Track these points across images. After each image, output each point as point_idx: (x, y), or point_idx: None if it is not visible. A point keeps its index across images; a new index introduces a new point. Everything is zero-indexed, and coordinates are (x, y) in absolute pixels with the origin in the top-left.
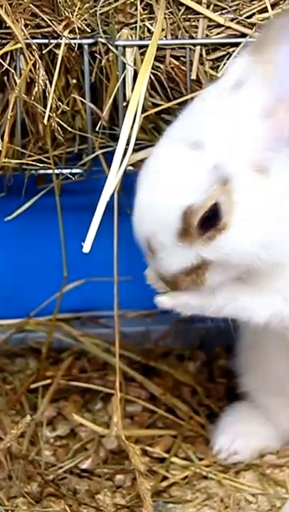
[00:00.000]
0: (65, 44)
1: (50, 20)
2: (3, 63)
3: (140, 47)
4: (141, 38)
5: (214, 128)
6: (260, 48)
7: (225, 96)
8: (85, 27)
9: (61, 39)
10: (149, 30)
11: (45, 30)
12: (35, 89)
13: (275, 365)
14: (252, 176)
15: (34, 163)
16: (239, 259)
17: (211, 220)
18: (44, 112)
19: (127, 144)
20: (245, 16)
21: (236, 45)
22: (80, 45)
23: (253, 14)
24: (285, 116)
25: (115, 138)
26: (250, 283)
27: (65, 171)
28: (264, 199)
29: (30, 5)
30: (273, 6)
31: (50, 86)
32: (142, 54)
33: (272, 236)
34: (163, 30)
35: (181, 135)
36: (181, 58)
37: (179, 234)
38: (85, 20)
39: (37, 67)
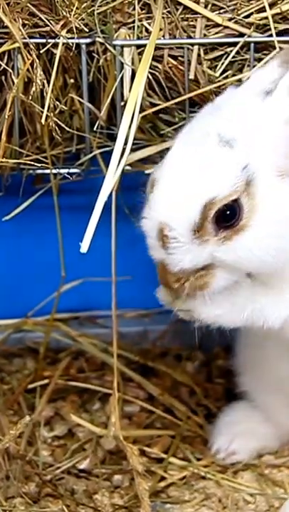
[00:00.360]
0: (63, 44)
1: (47, 19)
2: (1, 63)
3: (138, 46)
4: (139, 38)
5: (246, 130)
6: None
7: (256, 101)
8: (83, 26)
9: (59, 39)
10: (146, 30)
11: (43, 29)
12: (33, 88)
13: (274, 364)
14: (275, 180)
15: (32, 162)
16: (253, 263)
17: (228, 219)
18: (42, 112)
19: (125, 143)
20: (243, 15)
21: (234, 44)
22: (78, 45)
23: (251, 14)
24: None
25: (113, 138)
26: (266, 286)
27: (62, 171)
28: (284, 204)
29: (28, 4)
30: (271, 5)
31: (48, 85)
32: (140, 54)
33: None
34: (161, 29)
35: (212, 129)
36: (179, 58)
37: (196, 228)
38: (83, 19)
39: (35, 66)
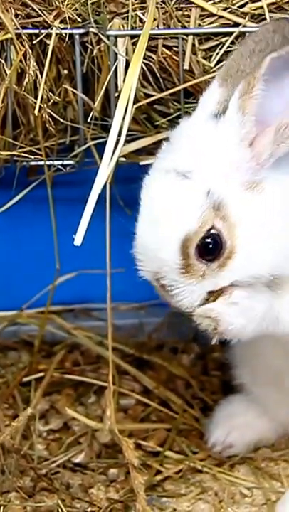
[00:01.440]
0: (56, 34)
1: (40, 10)
2: None
3: (132, 37)
4: (133, 28)
5: (200, 157)
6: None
7: (206, 126)
8: (76, 17)
9: (52, 29)
10: (140, 20)
11: (36, 20)
12: (26, 80)
13: (270, 356)
14: (244, 195)
15: (25, 154)
16: (257, 276)
17: (213, 250)
18: (35, 103)
19: (119, 135)
20: (237, 5)
21: (229, 34)
22: (71, 35)
23: (246, 3)
24: (262, 145)
25: (107, 129)
26: (280, 291)
27: (56, 163)
28: (262, 214)
29: None
30: None
31: (41, 77)
32: (134, 44)
33: (283, 246)
34: (155, 19)
35: (168, 166)
36: (174, 48)
37: (184, 269)
38: (76, 9)
39: (27, 57)
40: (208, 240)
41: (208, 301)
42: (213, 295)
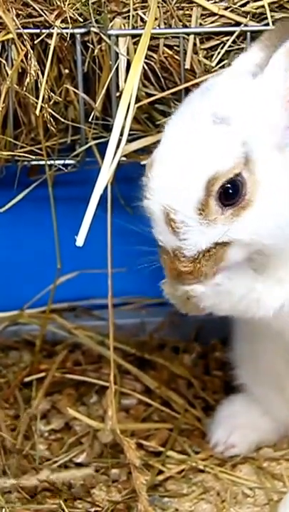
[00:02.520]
0: (57, 34)
1: (41, 9)
2: None
3: (133, 36)
4: (134, 27)
5: (240, 108)
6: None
7: (244, 81)
8: (77, 16)
9: (53, 29)
10: (142, 19)
11: (37, 19)
12: (27, 79)
13: (270, 357)
14: (274, 155)
15: (26, 154)
16: (264, 237)
17: (232, 196)
18: (36, 103)
19: (121, 134)
20: (239, 4)
21: (230, 33)
22: (73, 35)
23: (247, 2)
24: None
25: (108, 128)
26: (264, 274)
27: (58, 162)
28: (285, 177)
29: None
30: None
31: (43, 76)
32: (135, 43)
33: None
34: (156, 19)
35: (205, 109)
36: (175, 47)
37: (201, 207)
38: (77, 9)
39: (29, 57)
40: (232, 185)
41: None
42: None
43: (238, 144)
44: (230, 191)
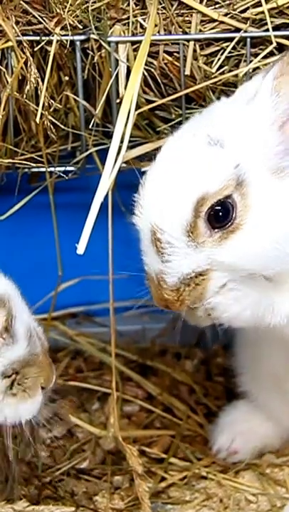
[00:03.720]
0: (57, 41)
1: (41, 17)
2: None
3: (133, 43)
4: (133, 34)
5: (234, 131)
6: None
7: (243, 107)
8: (77, 23)
9: (53, 36)
10: (141, 26)
11: (37, 27)
12: (27, 87)
13: (273, 362)
14: (268, 179)
15: (27, 162)
16: (250, 263)
17: (222, 218)
18: (36, 110)
19: (121, 141)
20: (238, 10)
21: (230, 39)
22: (72, 42)
23: (247, 9)
24: None
25: (109, 135)
26: (277, 282)
27: (58, 169)
28: (278, 202)
29: (21, 2)
30: (267, 0)
31: (43, 83)
32: (135, 50)
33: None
34: (156, 25)
35: (201, 130)
36: (175, 54)
37: (189, 229)
38: (77, 16)
39: (29, 64)
40: (222, 207)
41: (187, 290)
42: (193, 284)
43: (231, 166)
44: (220, 213)
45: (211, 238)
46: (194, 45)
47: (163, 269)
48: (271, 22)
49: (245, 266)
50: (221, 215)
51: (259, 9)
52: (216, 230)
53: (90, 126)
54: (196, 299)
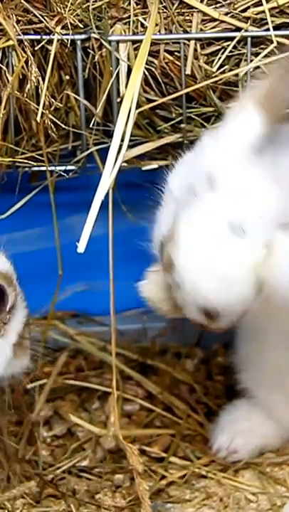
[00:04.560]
0: (58, 40)
1: (42, 16)
2: None
3: (134, 42)
4: (134, 33)
5: (252, 210)
6: None
7: (247, 169)
8: (78, 22)
9: (54, 35)
10: (142, 25)
11: (38, 26)
12: (28, 86)
13: (274, 360)
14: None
15: (28, 161)
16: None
17: None
18: (37, 109)
19: (122, 140)
20: (239, 9)
21: (231, 39)
22: (73, 41)
23: (248, 8)
24: None
25: (109, 134)
26: None
27: (58, 168)
28: None
29: (22, 1)
30: None
31: (43, 82)
32: (136, 49)
33: None
34: (157, 24)
35: (221, 217)
36: (176, 53)
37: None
38: (78, 15)
39: (29, 63)
40: None
41: None
42: None
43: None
44: None
45: None
46: (195, 44)
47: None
48: (272, 21)
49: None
50: None
51: (260, 8)
52: None
53: (91, 125)
54: None
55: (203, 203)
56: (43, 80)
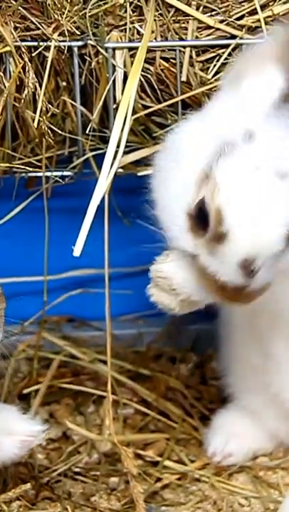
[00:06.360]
0: (55, 46)
1: (39, 22)
2: None
3: (130, 49)
4: (130, 40)
5: None
6: None
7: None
8: (75, 29)
9: (51, 41)
10: (138, 32)
11: (35, 32)
12: (25, 92)
13: (250, 362)
14: None
15: (24, 166)
16: None
17: None
18: (34, 116)
19: (118, 146)
20: (234, 17)
21: (226, 46)
22: (70, 48)
23: (243, 16)
24: None
25: (105, 140)
26: None
27: (55, 174)
28: None
29: (20, 7)
30: (263, 7)
31: (40, 89)
32: (132, 56)
33: None
34: (153, 32)
35: (266, 164)
36: (171, 60)
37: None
38: (75, 22)
39: (26, 70)
40: None
41: None
42: None
43: None
44: None
45: None
46: (191, 51)
47: (251, 283)
48: (267, 29)
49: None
50: None
51: (255, 17)
52: None
53: (87, 131)
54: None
55: (247, 153)
56: (40, 86)
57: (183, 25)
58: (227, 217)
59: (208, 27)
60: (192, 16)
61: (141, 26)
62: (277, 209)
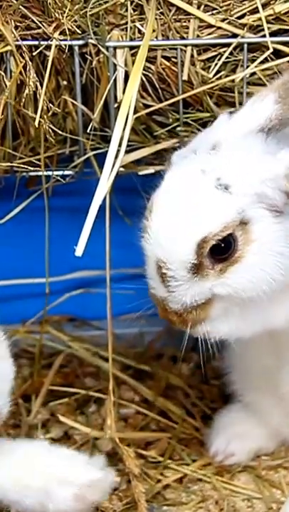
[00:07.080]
0: (56, 46)
1: (40, 21)
2: None
3: (131, 48)
4: (131, 39)
5: (244, 176)
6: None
7: (254, 139)
8: (76, 28)
9: (51, 41)
10: (139, 31)
11: (36, 31)
12: (26, 91)
13: (262, 357)
14: (269, 218)
15: (25, 166)
16: (248, 292)
17: (224, 251)
18: (35, 115)
19: (119, 145)
20: (236, 16)
21: (227, 45)
22: (71, 47)
23: (244, 14)
24: None
25: (106, 139)
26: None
27: (56, 173)
28: (275, 238)
29: (20, 7)
30: (264, 6)
31: (41, 88)
32: (133, 55)
33: (281, 268)
34: (154, 30)
35: (210, 171)
36: (172, 59)
37: (192, 267)
38: (76, 21)
39: (27, 69)
40: (223, 242)
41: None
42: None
43: (235, 212)
44: (222, 246)
45: (213, 270)
46: (192, 50)
47: (167, 297)
48: (268, 28)
49: (241, 296)
50: (222, 249)
51: (256, 16)
52: (217, 263)
53: (88, 131)
54: (198, 321)
55: (197, 158)
56: (41, 85)
57: (184, 23)
58: (152, 211)
59: (210, 26)
60: (193, 15)
61: (142, 25)
62: (200, 219)
